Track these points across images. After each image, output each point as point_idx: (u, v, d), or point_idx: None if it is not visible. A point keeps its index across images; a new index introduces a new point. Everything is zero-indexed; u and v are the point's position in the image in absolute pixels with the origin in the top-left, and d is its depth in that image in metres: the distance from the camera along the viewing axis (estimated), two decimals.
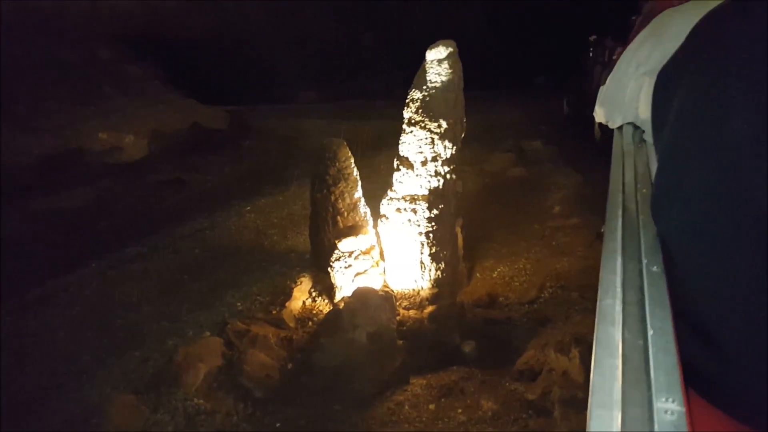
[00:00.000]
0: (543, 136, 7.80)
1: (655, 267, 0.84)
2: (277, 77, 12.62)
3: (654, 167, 1.38)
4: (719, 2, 1.61)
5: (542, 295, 3.99)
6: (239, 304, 3.86)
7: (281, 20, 13.99)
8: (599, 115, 1.92)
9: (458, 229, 4.28)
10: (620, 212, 1.19)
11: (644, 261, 0.87)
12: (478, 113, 8.55)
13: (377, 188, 4.35)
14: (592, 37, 7.52)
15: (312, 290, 3.88)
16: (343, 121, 9.43)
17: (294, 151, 7.87)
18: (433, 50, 4.01)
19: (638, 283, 0.80)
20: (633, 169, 1.47)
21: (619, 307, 0.74)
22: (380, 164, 6.08)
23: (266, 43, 13.43)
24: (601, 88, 1.93)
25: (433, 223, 3.90)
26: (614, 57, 5.46)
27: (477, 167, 6.53)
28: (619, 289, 0.79)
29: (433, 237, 3.87)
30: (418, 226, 3.86)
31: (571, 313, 3.61)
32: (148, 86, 7.18)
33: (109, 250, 5.02)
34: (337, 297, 3.73)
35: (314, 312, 3.73)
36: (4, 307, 4.18)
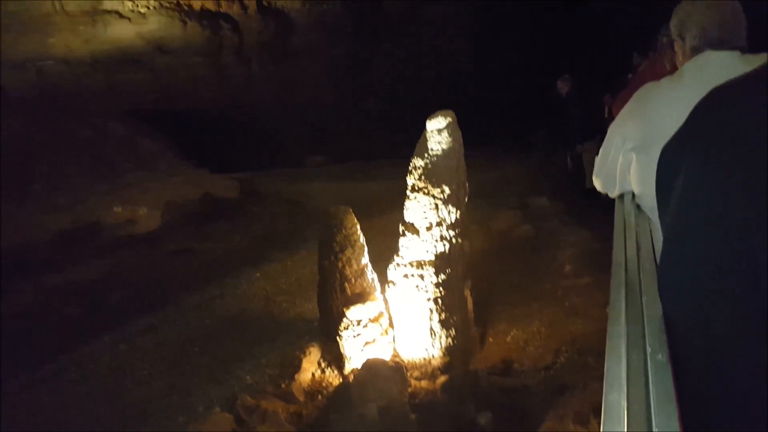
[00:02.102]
0: (548, 191, 7.85)
1: (660, 355, 0.85)
2: (284, 143, 12.96)
3: (657, 240, 1.40)
4: (696, 77, 1.69)
5: (558, 360, 3.92)
6: (248, 377, 3.85)
7: (286, 89, 14.51)
8: (598, 184, 1.96)
9: (467, 292, 4.28)
10: (623, 292, 1.18)
11: (649, 349, 0.87)
12: (481, 170, 8.71)
13: (384, 250, 4.39)
14: (590, 94, 7.70)
15: (321, 361, 3.87)
16: (349, 183, 9.60)
17: (301, 214, 8.00)
18: (433, 120, 4.15)
19: (643, 376, 0.80)
20: (635, 242, 1.46)
21: (624, 403, 0.74)
22: (386, 225, 6.14)
23: (272, 111, 13.89)
24: (597, 158, 1.97)
25: (441, 289, 3.91)
26: (612, 108, 5.57)
27: (484, 226, 6.57)
28: (624, 383, 0.79)
29: (442, 303, 3.87)
30: (426, 292, 3.87)
31: (589, 380, 3.53)
32: (161, 159, 7.42)
33: (122, 322, 5.07)
34: (347, 368, 3.71)
35: (324, 384, 3.71)
36: (19, 382, 4.22)
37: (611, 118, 5.94)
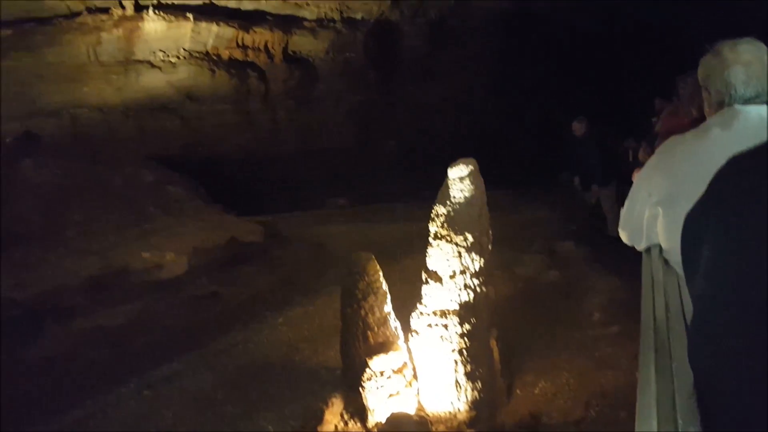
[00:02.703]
0: (573, 235, 7.78)
1: (691, 428, 0.83)
2: (307, 185, 13.15)
3: (685, 297, 1.38)
4: (722, 133, 1.69)
5: (589, 414, 3.82)
6: (271, 427, 3.82)
7: (309, 133, 14.84)
8: (624, 237, 1.94)
9: (493, 342, 4.22)
10: (653, 356, 1.16)
11: (680, 421, 0.86)
12: (505, 212, 8.68)
13: (406, 296, 4.37)
14: (615, 138, 7.72)
15: (344, 412, 3.82)
16: (370, 225, 9.63)
17: (323, 257, 8.03)
18: (455, 168, 4.19)
19: None
20: (663, 300, 1.45)
21: None
22: (407, 269, 6.12)
23: (296, 154, 14.18)
24: (622, 210, 1.96)
25: (466, 339, 3.86)
26: (638, 157, 5.55)
27: (509, 271, 6.51)
28: None
29: (468, 354, 3.82)
30: (451, 342, 3.83)
31: None
32: (189, 205, 7.60)
33: (147, 368, 5.09)
34: (370, 421, 3.66)
35: None
36: (45, 429, 4.25)
37: (636, 162, 5.93)
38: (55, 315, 5.24)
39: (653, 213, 1.70)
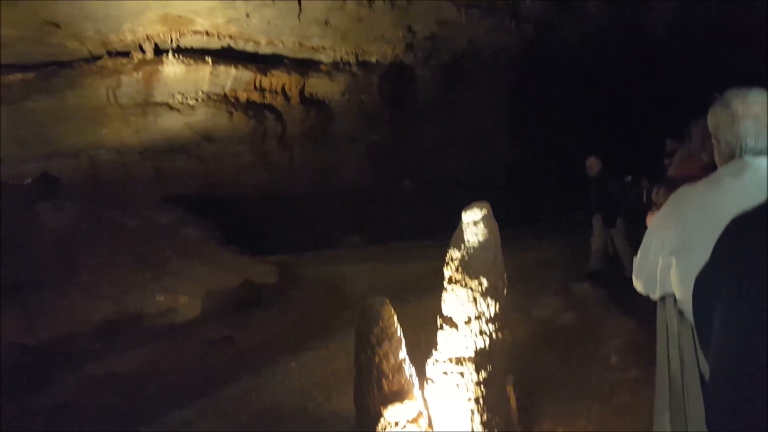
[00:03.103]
0: (590, 276, 7.67)
1: None
2: (322, 224, 13.22)
3: (700, 351, 1.35)
4: (733, 184, 1.68)
5: None
6: None
7: (325, 173, 15.00)
8: (638, 286, 1.92)
9: (510, 389, 4.10)
10: (667, 416, 1.15)
11: None
12: (520, 251, 8.60)
13: (420, 340, 4.29)
14: (628, 178, 7.68)
15: None
16: (385, 264, 9.58)
17: (338, 298, 7.98)
18: (469, 212, 4.15)
19: None
20: (678, 355, 1.43)
21: None
22: (422, 311, 6.05)
23: (312, 193, 14.31)
24: (635, 258, 1.95)
25: (482, 387, 3.76)
26: (652, 197, 5.51)
27: (525, 313, 6.40)
28: None
29: (484, 402, 3.72)
30: (467, 390, 3.73)
31: None
32: (204, 246, 7.65)
33: (158, 415, 5.02)
34: None
35: None
36: None
37: (649, 203, 5.86)
38: (66, 361, 5.23)
39: (666, 263, 1.70)
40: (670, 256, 1.63)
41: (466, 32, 13.09)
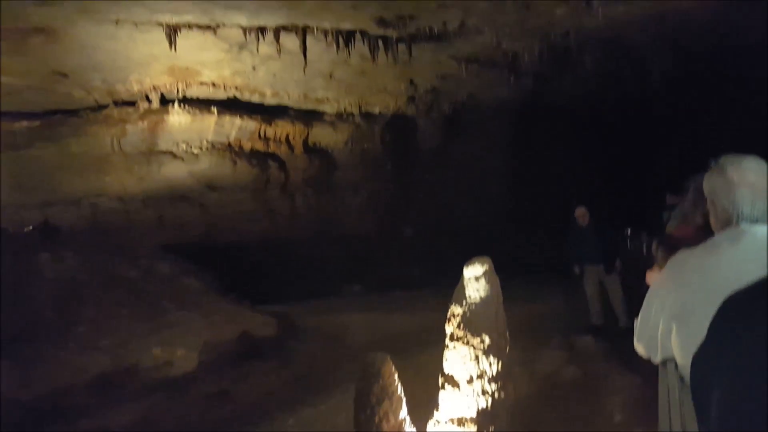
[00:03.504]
0: (592, 328, 7.58)
1: None
2: (323, 272, 13.16)
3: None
4: (730, 250, 1.69)
5: None
6: None
7: (327, 220, 15.06)
8: (639, 350, 1.91)
9: None
10: None
11: None
12: (522, 302, 8.51)
13: (422, 396, 4.20)
14: (628, 230, 7.70)
15: None
16: (386, 314, 9.48)
17: (337, 350, 7.85)
18: (470, 267, 4.15)
19: None
20: (680, 421, 1.47)
21: None
22: (424, 365, 5.94)
23: (313, 241, 14.31)
24: (636, 321, 1.94)
25: None
26: (652, 251, 5.51)
27: (527, 368, 6.28)
28: None
29: None
30: None
31: None
32: (204, 297, 7.59)
33: None
34: None
35: None
36: None
37: (649, 257, 5.87)
38: (60, 416, 5.10)
39: (667, 328, 1.71)
40: (670, 321, 1.63)
41: (466, 85, 13.38)
